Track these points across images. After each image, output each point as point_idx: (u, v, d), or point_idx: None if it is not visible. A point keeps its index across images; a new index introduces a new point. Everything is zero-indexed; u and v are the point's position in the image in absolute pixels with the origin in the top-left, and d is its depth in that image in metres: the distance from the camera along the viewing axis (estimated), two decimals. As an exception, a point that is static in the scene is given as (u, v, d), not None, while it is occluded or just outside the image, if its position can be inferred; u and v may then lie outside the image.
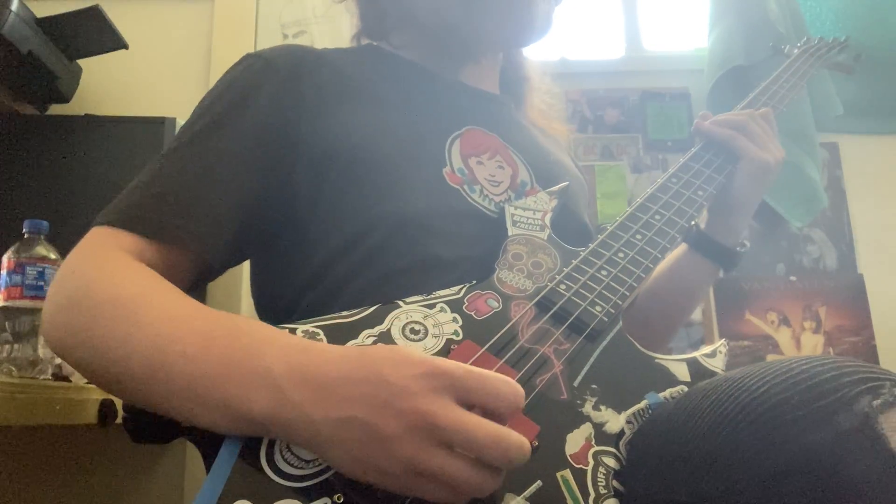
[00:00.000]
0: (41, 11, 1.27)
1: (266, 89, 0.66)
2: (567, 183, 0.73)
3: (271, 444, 0.44)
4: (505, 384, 0.41)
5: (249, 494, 0.41)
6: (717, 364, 0.57)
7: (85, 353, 0.50)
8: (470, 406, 0.41)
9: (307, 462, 0.43)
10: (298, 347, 0.45)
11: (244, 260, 0.69)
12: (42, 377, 0.88)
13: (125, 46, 1.37)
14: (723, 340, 0.59)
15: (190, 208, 0.59)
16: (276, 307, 0.69)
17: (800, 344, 1.55)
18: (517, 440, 0.40)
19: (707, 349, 0.58)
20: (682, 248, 0.82)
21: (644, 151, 1.66)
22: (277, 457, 0.43)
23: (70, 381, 0.85)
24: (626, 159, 1.65)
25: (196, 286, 0.63)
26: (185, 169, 0.61)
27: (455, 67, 0.78)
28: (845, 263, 1.60)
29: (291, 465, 0.43)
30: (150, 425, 0.49)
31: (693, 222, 0.77)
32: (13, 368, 0.86)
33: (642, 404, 0.50)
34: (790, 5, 1.61)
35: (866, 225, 1.62)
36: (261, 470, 0.43)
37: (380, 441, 0.39)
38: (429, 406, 0.39)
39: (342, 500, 0.41)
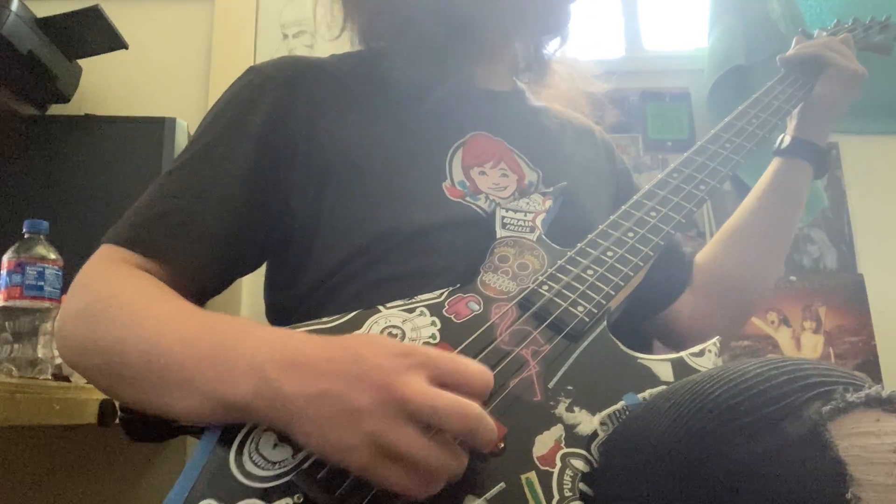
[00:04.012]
0: (41, 11, 1.27)
1: (262, 107, 0.67)
2: (564, 184, 0.72)
3: (241, 446, 0.45)
4: (475, 366, 0.44)
5: (216, 494, 0.43)
6: (705, 363, 0.55)
7: (90, 359, 0.53)
8: (442, 386, 0.42)
9: (273, 463, 0.44)
10: (281, 335, 0.48)
11: (244, 274, 0.69)
12: (42, 377, 0.88)
13: (125, 46, 1.37)
14: (714, 339, 0.56)
15: (184, 229, 0.61)
16: (278, 314, 0.71)
17: (800, 344, 1.55)
18: (478, 410, 0.41)
19: (696, 348, 0.56)
20: (773, 165, 0.84)
21: (644, 151, 1.66)
22: (245, 458, 0.45)
23: (70, 381, 0.86)
24: (625, 159, 1.65)
25: (198, 302, 0.64)
26: (181, 189, 0.63)
27: (459, 68, 0.75)
28: (845, 263, 1.60)
29: (258, 466, 0.44)
30: (146, 424, 0.50)
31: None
32: (13, 368, 0.86)
33: (619, 405, 0.49)
34: (790, 5, 1.61)
35: (866, 225, 1.62)
36: (228, 471, 0.44)
37: (349, 414, 0.40)
38: (400, 379, 0.41)
39: (302, 500, 0.42)
